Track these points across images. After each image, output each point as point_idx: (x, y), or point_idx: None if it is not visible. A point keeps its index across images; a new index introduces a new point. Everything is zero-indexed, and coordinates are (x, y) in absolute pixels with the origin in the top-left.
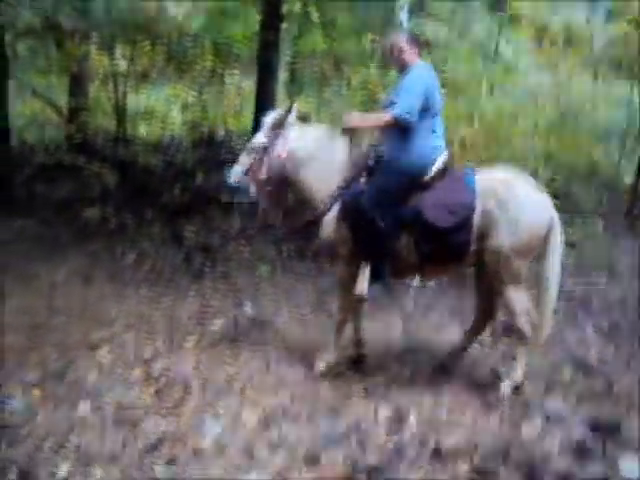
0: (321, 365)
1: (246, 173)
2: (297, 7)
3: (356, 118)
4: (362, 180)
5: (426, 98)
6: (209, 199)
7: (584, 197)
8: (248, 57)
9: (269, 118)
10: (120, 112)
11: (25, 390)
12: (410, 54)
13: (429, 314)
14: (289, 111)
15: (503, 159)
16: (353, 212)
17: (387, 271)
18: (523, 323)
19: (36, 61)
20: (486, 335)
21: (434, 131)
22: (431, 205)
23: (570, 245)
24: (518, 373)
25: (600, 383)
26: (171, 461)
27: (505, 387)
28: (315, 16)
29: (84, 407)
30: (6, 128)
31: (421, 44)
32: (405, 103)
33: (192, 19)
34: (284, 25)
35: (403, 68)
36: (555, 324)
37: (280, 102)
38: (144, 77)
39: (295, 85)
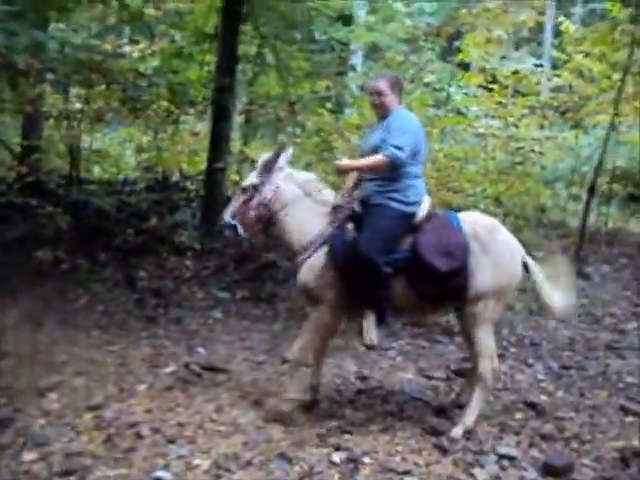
0: (286, 405)
1: (237, 211)
2: (253, 50)
3: (349, 162)
4: (349, 226)
5: (416, 142)
6: (162, 242)
7: (534, 241)
8: (203, 99)
9: (262, 160)
10: (74, 153)
11: None
12: (392, 99)
13: (383, 356)
14: (279, 154)
15: (454, 203)
16: (351, 259)
17: (389, 314)
18: (486, 368)
19: None
20: (440, 379)
21: (420, 176)
22: (429, 248)
23: (520, 289)
24: (470, 418)
25: (552, 425)
26: None
27: (457, 431)
28: (270, 59)
29: (30, 456)
30: None
31: (402, 89)
32: (397, 142)
33: (147, 60)
34: (239, 68)
35: (384, 113)
36: (507, 367)
37: (234, 145)
38: (99, 118)
39: (250, 128)
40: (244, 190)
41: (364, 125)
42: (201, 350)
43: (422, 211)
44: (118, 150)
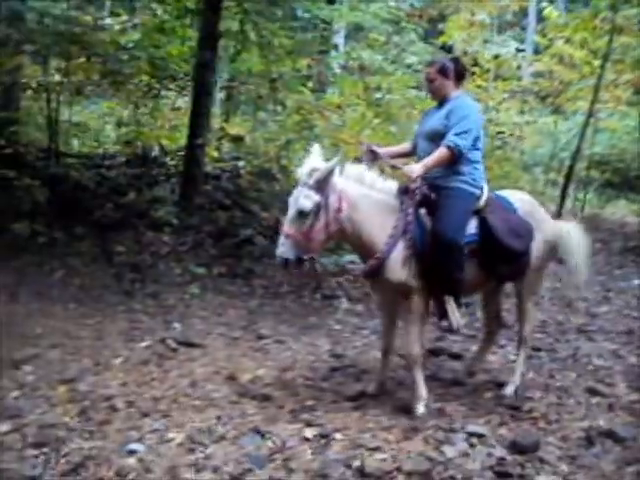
0: (421, 406)
1: (300, 239)
2: (235, 26)
3: (419, 166)
4: (422, 212)
5: (476, 129)
6: (141, 217)
7: None
8: (184, 75)
9: (315, 174)
10: (53, 126)
11: None
12: (446, 84)
13: (357, 334)
14: (335, 167)
15: None
16: (432, 243)
17: (461, 295)
18: (529, 333)
19: None
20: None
21: (480, 161)
22: (502, 230)
23: None
24: (518, 376)
25: (520, 404)
26: None
27: (509, 389)
28: (252, 36)
29: (4, 427)
30: None
31: (460, 73)
32: (459, 131)
33: (128, 34)
34: (221, 43)
35: (440, 98)
36: (478, 347)
37: (215, 121)
38: (78, 91)
39: (231, 105)
40: (303, 214)
41: (344, 105)
42: (177, 325)
43: (484, 194)
44: (98, 124)
